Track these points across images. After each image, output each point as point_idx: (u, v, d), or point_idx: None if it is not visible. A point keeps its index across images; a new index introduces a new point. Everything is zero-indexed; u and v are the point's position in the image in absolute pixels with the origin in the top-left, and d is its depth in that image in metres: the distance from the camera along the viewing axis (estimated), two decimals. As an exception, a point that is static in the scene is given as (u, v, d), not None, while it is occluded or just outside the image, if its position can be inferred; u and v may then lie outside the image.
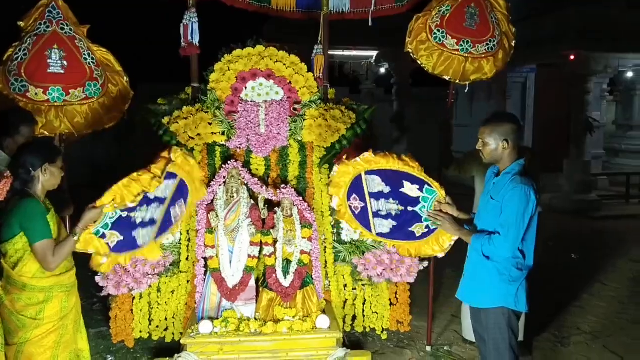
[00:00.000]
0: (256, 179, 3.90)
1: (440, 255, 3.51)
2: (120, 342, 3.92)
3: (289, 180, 4.02)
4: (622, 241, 7.60)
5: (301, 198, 3.85)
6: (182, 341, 3.45)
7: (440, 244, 3.44)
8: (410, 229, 3.44)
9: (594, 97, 10.66)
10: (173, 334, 3.96)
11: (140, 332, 3.90)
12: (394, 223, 3.48)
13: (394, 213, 3.45)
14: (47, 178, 2.70)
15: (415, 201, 3.34)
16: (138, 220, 3.10)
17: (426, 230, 3.40)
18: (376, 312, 4.07)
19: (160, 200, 3.24)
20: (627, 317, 4.90)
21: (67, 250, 2.67)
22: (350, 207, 3.57)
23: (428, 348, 4.21)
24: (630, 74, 12.68)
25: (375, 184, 3.45)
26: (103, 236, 2.90)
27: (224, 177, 3.84)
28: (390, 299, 4.05)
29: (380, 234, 3.59)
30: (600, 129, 11.07)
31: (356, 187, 3.51)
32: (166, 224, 3.38)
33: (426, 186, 3.29)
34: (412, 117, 11.76)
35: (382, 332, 4.09)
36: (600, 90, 11.90)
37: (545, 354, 4.17)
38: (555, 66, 10.59)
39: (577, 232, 8.03)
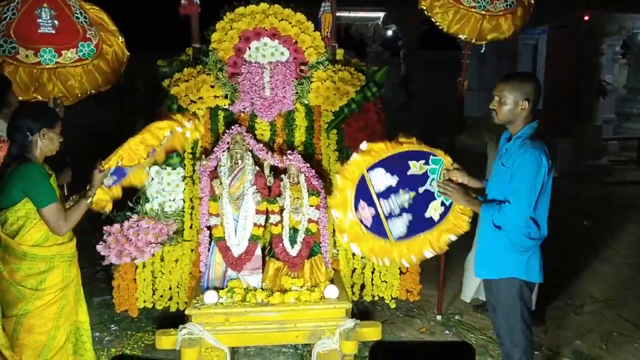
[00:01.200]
0: (261, 145, 3.75)
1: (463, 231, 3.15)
2: (124, 311, 3.84)
3: (295, 146, 3.88)
4: (633, 207, 7.46)
5: (308, 164, 3.70)
6: (186, 312, 3.36)
7: (462, 217, 3.10)
8: (426, 215, 3.07)
9: (607, 59, 10.36)
10: (177, 303, 3.88)
11: (144, 301, 3.80)
12: (410, 217, 3.05)
13: (407, 205, 3.04)
14: (45, 143, 2.60)
15: (424, 178, 3.06)
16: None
17: (442, 208, 3.07)
18: (385, 281, 3.97)
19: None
20: (640, 285, 4.80)
21: (79, 213, 2.61)
22: (361, 221, 2.99)
23: (438, 317, 4.16)
24: (644, 36, 12.31)
25: (381, 179, 3.01)
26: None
27: (228, 143, 3.69)
28: (399, 268, 3.95)
29: (399, 238, 3.06)
30: (612, 92, 10.77)
31: (362, 190, 3.00)
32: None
33: (431, 157, 3.05)
34: (420, 81, 11.48)
35: (390, 301, 4.01)
36: (613, 53, 11.54)
37: (559, 323, 4.09)
38: (567, 27, 10.25)
39: (589, 197, 7.87)
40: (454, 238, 3.08)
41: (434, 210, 3.08)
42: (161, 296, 3.83)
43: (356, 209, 2.99)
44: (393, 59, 13.40)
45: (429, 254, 3.08)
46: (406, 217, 3.06)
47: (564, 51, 11.01)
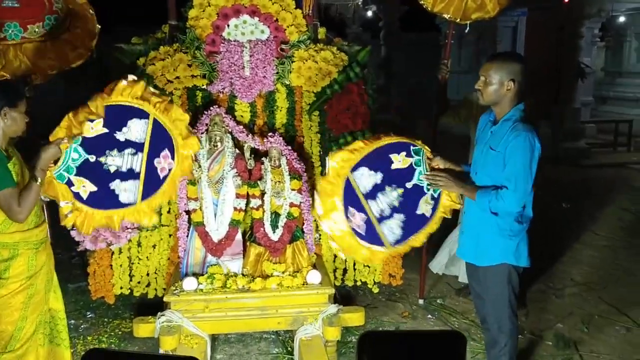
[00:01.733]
0: (241, 127, 3.65)
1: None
2: (100, 298, 3.75)
3: (276, 128, 3.78)
4: (611, 189, 7.54)
5: (290, 147, 3.62)
6: (165, 299, 3.28)
7: (448, 210, 3.04)
8: (418, 212, 2.99)
9: (585, 42, 10.39)
10: (156, 290, 3.79)
11: (121, 288, 3.72)
12: (403, 217, 2.98)
13: (397, 203, 2.97)
14: (7, 124, 2.46)
15: (410, 173, 2.97)
16: (112, 169, 2.91)
17: (432, 202, 3.01)
18: (368, 266, 3.94)
19: (135, 146, 2.96)
20: (621, 268, 4.85)
21: (31, 196, 2.44)
22: (354, 230, 2.93)
23: (420, 301, 4.14)
24: (622, 19, 12.39)
25: (366, 179, 2.94)
26: (69, 183, 2.74)
27: (206, 125, 3.57)
28: None
29: (396, 242, 3.00)
30: (590, 75, 10.84)
31: (349, 195, 2.92)
32: (153, 180, 3.03)
33: (412, 147, 2.96)
34: (400, 62, 11.40)
35: (373, 285, 3.98)
36: (592, 36, 11.59)
37: (540, 306, 4.10)
38: (547, 9, 10.24)
39: (566, 180, 7.93)
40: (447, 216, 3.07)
41: (425, 205, 3.02)
42: (138, 282, 3.75)
43: (347, 217, 2.93)
44: (373, 40, 13.27)
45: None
46: (398, 218, 2.99)
47: (544, 33, 11.03)
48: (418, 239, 3.04)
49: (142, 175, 2.99)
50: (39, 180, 2.48)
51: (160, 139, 3.05)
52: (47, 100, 3.85)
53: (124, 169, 2.94)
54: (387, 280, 3.95)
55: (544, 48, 10.92)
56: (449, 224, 3.38)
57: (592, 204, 6.75)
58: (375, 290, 3.97)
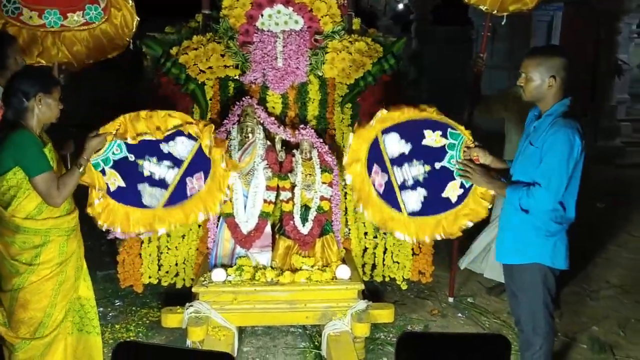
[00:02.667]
0: (273, 118, 3.60)
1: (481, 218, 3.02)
2: (129, 286, 3.74)
3: (308, 120, 3.72)
4: (648, 191, 7.29)
5: (321, 140, 3.57)
6: (193, 289, 3.27)
7: (481, 202, 2.95)
8: (443, 195, 2.96)
9: (623, 38, 10.06)
10: (184, 280, 3.76)
11: (150, 277, 3.70)
12: (424, 193, 2.97)
13: (421, 178, 2.97)
14: (42, 110, 2.47)
15: (441, 153, 2.94)
16: (146, 173, 2.95)
17: (461, 190, 2.95)
18: (397, 262, 3.84)
19: (175, 161, 3.00)
20: (658, 271, 4.67)
21: (71, 182, 2.48)
22: (373, 184, 2.96)
23: (450, 299, 4.07)
24: (661, 14, 11.94)
25: (395, 145, 2.95)
26: (103, 172, 2.79)
27: (238, 116, 3.54)
28: (412, 249, 3.82)
29: (412, 214, 2.99)
30: (628, 72, 10.50)
31: (375, 154, 2.94)
32: (179, 193, 3.04)
33: (450, 130, 2.91)
34: (431, 57, 11.21)
35: (402, 282, 3.90)
36: (629, 32, 11.21)
37: (574, 308, 3.99)
38: (584, 4, 9.93)
39: (601, 179, 7.69)
40: (470, 224, 2.98)
41: (452, 191, 2.97)
42: (167, 272, 3.73)
43: (369, 172, 2.94)
44: (404, 33, 13.09)
45: (439, 237, 3.02)
46: (421, 192, 2.97)
47: (580, 28, 10.69)
48: (433, 222, 2.97)
49: (171, 187, 3.01)
50: (82, 167, 2.51)
51: (201, 162, 3.05)
52: (80, 88, 3.87)
53: (156, 177, 2.98)
54: (417, 277, 3.87)
55: (580, 44, 10.59)
56: (479, 225, 3.30)
57: (627, 204, 6.56)
58: (404, 286, 3.89)
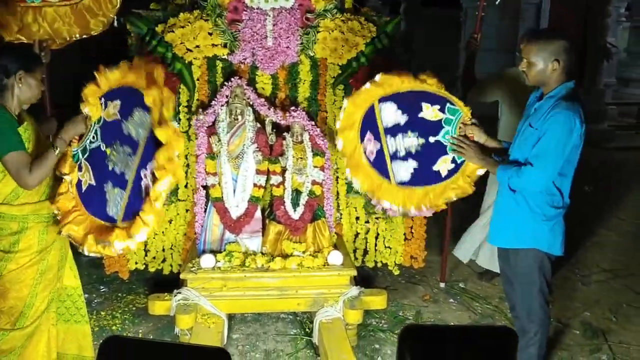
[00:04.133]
0: (262, 100, 3.50)
1: (462, 196, 2.97)
2: (114, 272, 3.67)
3: (298, 102, 3.62)
4: (636, 173, 7.31)
5: (313, 122, 3.49)
6: (182, 276, 3.19)
7: (468, 180, 2.92)
8: (434, 168, 2.93)
9: (611, 21, 10.03)
10: (171, 266, 3.72)
11: (136, 263, 3.65)
12: (415, 164, 2.96)
13: (414, 150, 2.95)
14: (22, 89, 2.35)
15: (436, 127, 2.91)
16: (111, 165, 2.58)
17: (452, 166, 2.93)
18: (389, 247, 3.80)
19: (132, 145, 2.66)
20: (648, 255, 4.67)
21: (46, 164, 2.30)
22: (364, 151, 2.95)
23: (441, 284, 4.04)
24: (649, -2, 11.95)
25: (390, 115, 2.94)
26: (80, 167, 2.44)
27: (227, 97, 3.43)
28: (405, 233, 3.77)
29: (401, 183, 2.98)
30: (616, 55, 10.49)
31: (369, 122, 2.94)
32: (136, 197, 2.66)
33: (448, 105, 2.87)
34: (420, 38, 11.11)
35: (394, 267, 3.85)
36: (617, 15, 11.20)
37: (567, 294, 3.98)
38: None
39: (589, 163, 7.69)
40: (454, 198, 2.95)
41: (443, 165, 2.94)
42: (154, 258, 3.68)
43: (362, 139, 2.92)
44: (392, 15, 12.93)
45: (426, 209, 2.98)
46: (411, 164, 2.97)
47: (569, 11, 10.63)
48: (420, 193, 2.93)
49: (128, 186, 2.64)
50: (58, 149, 2.33)
51: (148, 153, 2.67)
52: (62, 68, 3.69)
53: (117, 171, 2.61)
54: (409, 262, 3.83)
55: (569, 27, 10.54)
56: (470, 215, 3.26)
57: (616, 187, 6.56)
58: (396, 272, 3.85)
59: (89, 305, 3.56)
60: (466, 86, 3.74)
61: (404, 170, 2.96)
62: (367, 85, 2.87)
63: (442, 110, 2.89)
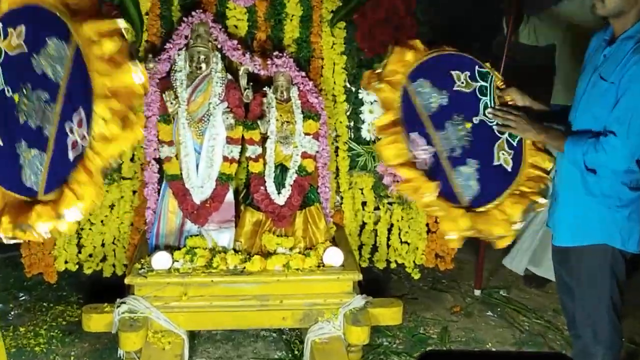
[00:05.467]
0: (235, 42, 3.51)
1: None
2: (38, 274, 3.71)
3: (285, 45, 3.67)
4: None
5: (304, 73, 3.51)
6: (127, 280, 3.22)
7: (541, 160, 2.92)
8: (495, 162, 2.92)
9: None
10: (114, 266, 3.78)
11: (66, 262, 3.69)
12: (477, 164, 2.92)
13: (466, 142, 2.95)
14: None
15: (473, 101, 2.98)
16: (22, 118, 2.55)
17: (511, 152, 2.94)
18: (407, 242, 3.87)
19: (50, 88, 2.60)
20: None
21: None
22: (414, 162, 2.92)
23: (477, 292, 4.12)
24: None
25: (428, 95, 2.98)
26: None
27: (186, 38, 3.45)
28: (428, 224, 3.82)
29: (475, 201, 2.90)
30: None
31: (408, 112, 2.96)
32: (60, 159, 2.62)
33: (477, 68, 2.99)
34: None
35: (413, 269, 3.90)
36: None
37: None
38: None
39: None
40: (542, 201, 2.87)
41: (501, 154, 2.95)
42: (90, 256, 3.72)
43: (411, 146, 2.91)
44: None
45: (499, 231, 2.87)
46: (472, 164, 2.94)
47: None
48: (508, 207, 2.85)
49: (50, 146, 2.60)
50: None
51: (79, 86, 2.61)
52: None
53: (32, 124, 2.57)
54: (433, 262, 3.89)
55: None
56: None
57: None
58: (416, 275, 3.90)
59: (4, 319, 3.62)
60: (514, 24, 3.72)
61: (470, 177, 2.93)
62: (384, 62, 2.99)
63: (472, 77, 2.97)
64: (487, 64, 3.01)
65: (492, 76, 2.98)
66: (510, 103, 2.88)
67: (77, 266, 3.69)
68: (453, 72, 2.99)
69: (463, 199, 2.90)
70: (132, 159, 3.66)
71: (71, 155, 2.63)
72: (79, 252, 3.69)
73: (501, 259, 4.35)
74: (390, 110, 2.93)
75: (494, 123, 2.91)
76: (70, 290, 3.90)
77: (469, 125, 2.95)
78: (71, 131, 2.64)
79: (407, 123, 2.93)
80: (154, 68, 3.42)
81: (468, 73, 2.98)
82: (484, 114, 2.94)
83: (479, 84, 2.97)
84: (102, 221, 3.68)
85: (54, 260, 3.65)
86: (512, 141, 2.92)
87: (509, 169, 2.92)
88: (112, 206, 3.68)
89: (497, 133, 2.93)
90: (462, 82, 2.98)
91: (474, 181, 2.91)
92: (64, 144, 2.63)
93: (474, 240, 3.93)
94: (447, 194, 2.88)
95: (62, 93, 2.63)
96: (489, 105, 2.94)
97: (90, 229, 3.67)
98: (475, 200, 2.90)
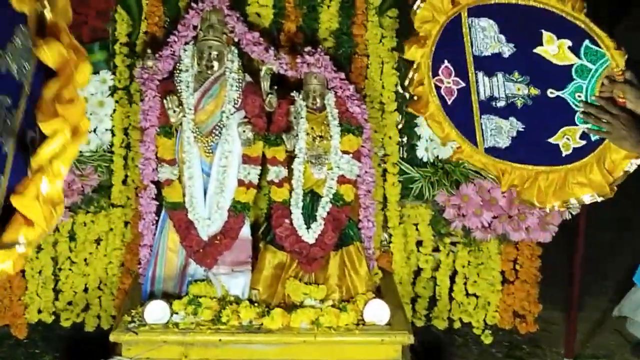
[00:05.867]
0: (256, 34, 3.36)
1: (598, 198, 2.99)
2: (3, 327, 3.68)
3: (319, 39, 3.56)
4: None
5: (343, 75, 3.35)
6: (112, 337, 3.02)
7: (606, 174, 2.92)
8: (550, 140, 2.99)
9: None
10: (98, 317, 3.69)
11: (40, 312, 3.65)
12: (520, 127, 3.04)
13: (519, 103, 3.02)
14: None
15: (562, 76, 2.90)
16: None
17: (582, 143, 2.93)
18: (475, 295, 3.76)
19: (11, 89, 2.40)
20: None
21: None
22: (436, 87, 3.08)
23: None
24: None
25: (487, 37, 2.99)
26: None
27: (194, 28, 3.33)
28: (503, 272, 3.71)
29: (490, 150, 3.12)
30: None
31: (449, 43, 3.02)
32: (18, 169, 2.43)
33: (587, 43, 2.82)
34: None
35: (483, 331, 3.76)
36: None
37: None
38: None
39: None
40: (587, 199, 2.96)
41: (566, 139, 2.99)
42: (69, 304, 3.68)
43: (434, 71, 3.07)
44: None
45: (529, 205, 3.17)
46: (512, 124, 3.06)
47: None
48: (532, 184, 3.08)
49: (8, 163, 2.38)
50: None
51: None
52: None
53: None
54: (510, 322, 3.77)
55: None
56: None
57: None
58: (487, 339, 3.75)
59: (-38, 385, 3.51)
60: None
61: (501, 131, 3.06)
62: None
63: (574, 50, 2.84)
64: (608, 40, 2.78)
65: (607, 60, 2.79)
66: (619, 101, 2.74)
67: (53, 317, 3.65)
68: (544, 32, 2.89)
69: (480, 141, 3.10)
70: (124, 182, 3.59)
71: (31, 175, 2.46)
72: (56, 298, 3.65)
73: (601, 317, 4.21)
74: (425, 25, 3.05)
75: (579, 114, 2.89)
76: (44, 347, 3.78)
77: (535, 91, 2.99)
78: (35, 142, 2.40)
79: (441, 49, 3.05)
80: (154, 67, 3.31)
81: (569, 43, 2.84)
82: (572, 96, 2.91)
83: (580, 62, 2.85)
84: (85, 260, 3.63)
85: (25, 309, 3.62)
86: (590, 136, 2.91)
87: (563, 154, 2.98)
88: (98, 241, 3.64)
89: (576, 121, 2.91)
90: (554, 49, 2.90)
91: (505, 138, 3.09)
92: (24, 158, 2.36)
93: (564, 295, 3.88)
94: (463, 128, 3.13)
95: (24, 96, 2.40)
96: (584, 91, 2.89)
97: (70, 269, 3.64)
98: (491, 150, 3.11)
